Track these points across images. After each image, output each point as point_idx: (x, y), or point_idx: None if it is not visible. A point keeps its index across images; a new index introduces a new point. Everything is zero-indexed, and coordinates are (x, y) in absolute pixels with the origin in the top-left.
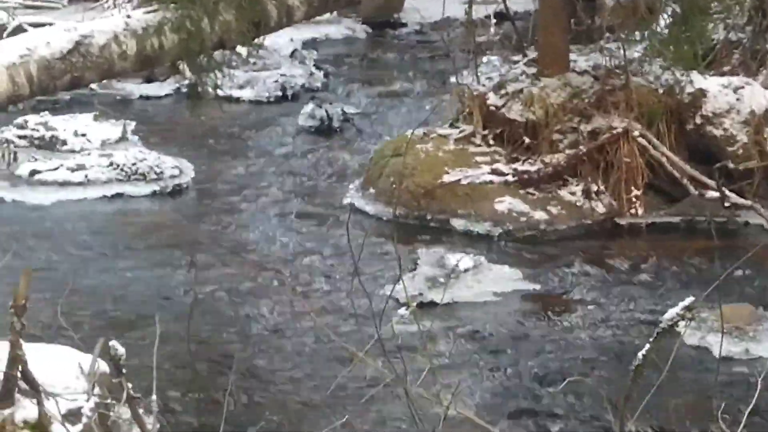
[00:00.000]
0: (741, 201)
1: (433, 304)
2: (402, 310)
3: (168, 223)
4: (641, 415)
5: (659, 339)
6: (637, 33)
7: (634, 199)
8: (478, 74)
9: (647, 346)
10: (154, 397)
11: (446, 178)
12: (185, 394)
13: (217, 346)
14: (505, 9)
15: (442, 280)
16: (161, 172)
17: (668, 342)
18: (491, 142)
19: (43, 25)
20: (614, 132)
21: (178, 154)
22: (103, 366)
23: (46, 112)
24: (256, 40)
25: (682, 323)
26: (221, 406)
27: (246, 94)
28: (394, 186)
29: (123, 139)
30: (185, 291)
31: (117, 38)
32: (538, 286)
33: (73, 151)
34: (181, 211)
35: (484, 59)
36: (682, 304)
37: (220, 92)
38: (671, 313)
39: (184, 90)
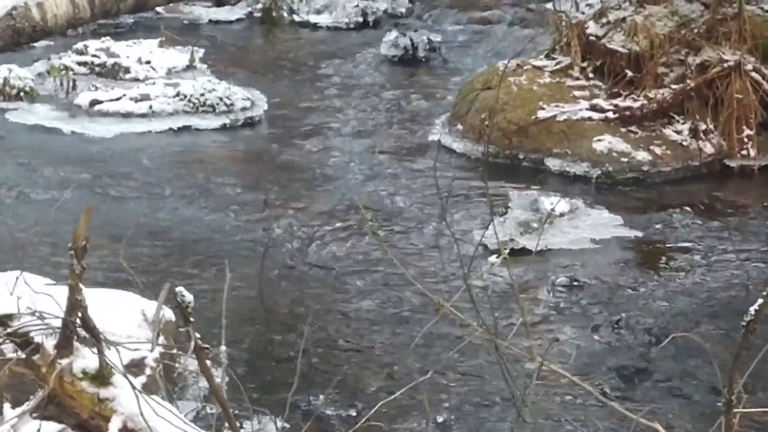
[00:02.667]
0: None
1: (525, 251)
2: (493, 258)
3: (239, 159)
4: (752, 377)
5: None
6: None
7: (745, 139)
8: (577, 1)
9: (760, 300)
10: (223, 347)
11: (541, 114)
12: (257, 344)
13: (291, 292)
14: None
15: (535, 225)
16: (231, 104)
17: None
18: (590, 75)
19: None
20: (725, 65)
21: (249, 85)
22: (169, 313)
23: (108, 38)
24: None
25: None
26: (295, 357)
27: (324, 19)
28: (484, 122)
29: (190, 67)
30: (258, 233)
31: None
32: (639, 233)
33: (136, 80)
34: (252, 147)
35: None
36: None
37: (296, 17)
38: None
39: (258, 14)
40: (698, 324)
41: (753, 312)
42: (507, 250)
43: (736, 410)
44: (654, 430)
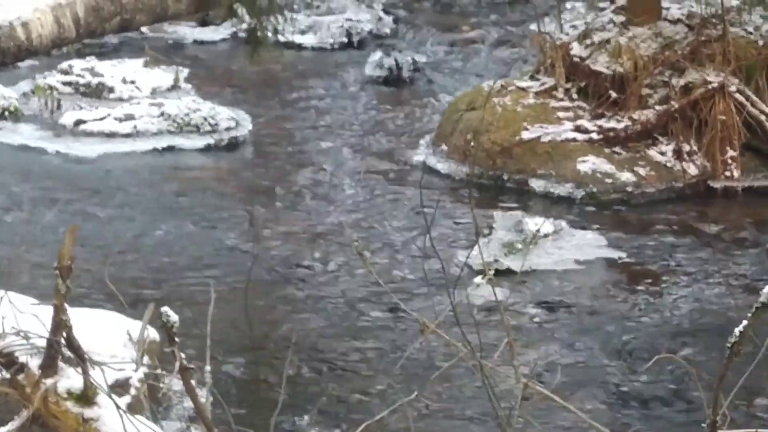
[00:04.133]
0: None
1: (510, 271)
2: (478, 279)
3: (223, 179)
4: (737, 398)
5: (758, 314)
6: None
7: (729, 161)
8: (562, 22)
9: (744, 321)
10: (208, 368)
11: (525, 135)
12: (242, 365)
13: (276, 313)
14: None
15: (519, 246)
16: (216, 124)
17: None
18: (574, 96)
19: None
20: (709, 87)
21: (234, 105)
22: (153, 333)
23: (93, 57)
24: None
25: None
26: (280, 379)
27: (308, 40)
28: (469, 143)
29: (175, 87)
30: (243, 253)
31: None
32: (623, 254)
33: (121, 100)
34: (236, 167)
35: (568, 5)
36: None
37: (280, 37)
38: None
39: (242, 35)
40: (683, 345)
41: (738, 333)
42: (492, 271)
43: (720, 431)
44: None
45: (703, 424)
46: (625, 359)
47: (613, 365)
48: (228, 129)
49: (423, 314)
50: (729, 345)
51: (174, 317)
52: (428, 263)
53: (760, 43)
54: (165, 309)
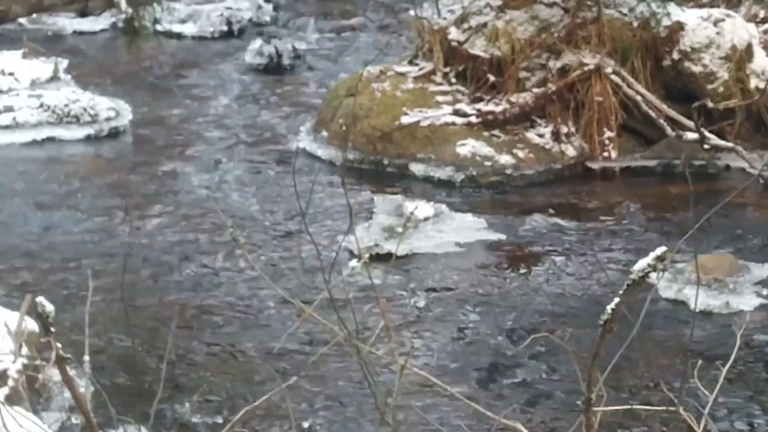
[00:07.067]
0: (721, 143)
1: (389, 255)
2: (353, 262)
3: (103, 169)
4: (612, 374)
5: (629, 291)
6: None
7: (606, 142)
8: (439, 6)
9: (617, 299)
10: (86, 357)
11: (404, 120)
12: (121, 354)
13: (154, 301)
14: None
15: (399, 229)
16: (96, 114)
17: (642, 295)
18: (453, 80)
19: None
20: (585, 69)
21: (114, 95)
22: (31, 324)
23: None
24: None
25: (654, 274)
26: (159, 367)
27: (188, 29)
28: (342, 128)
29: (54, 78)
30: (120, 243)
31: None
32: (503, 236)
33: None
34: (117, 157)
35: None
36: (653, 254)
37: (159, 27)
38: (642, 263)
39: (121, 25)
40: (560, 324)
41: (610, 311)
42: (368, 255)
43: (595, 408)
44: (515, 430)
45: (578, 402)
46: (504, 340)
47: (492, 346)
48: (108, 119)
49: (300, 299)
50: (602, 322)
51: (50, 307)
52: (305, 248)
53: (635, 24)
54: (40, 299)
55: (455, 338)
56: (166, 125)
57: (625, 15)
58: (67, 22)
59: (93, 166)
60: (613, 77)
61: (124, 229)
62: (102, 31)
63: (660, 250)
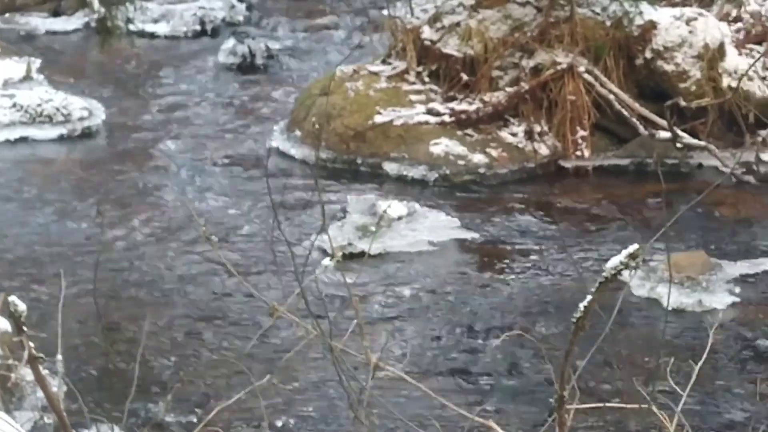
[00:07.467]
0: (694, 141)
1: (362, 254)
2: (326, 261)
3: (76, 169)
4: (585, 372)
5: (602, 289)
6: None
7: (579, 140)
8: (412, 6)
9: (589, 297)
10: (59, 357)
11: (378, 119)
12: (93, 353)
13: (127, 301)
14: None
15: (372, 228)
16: (69, 114)
17: (615, 293)
18: (426, 79)
19: None
20: (558, 68)
21: (87, 95)
22: (4, 323)
23: None
24: None
25: (626, 272)
26: (132, 366)
27: (161, 28)
28: (314, 126)
29: (27, 78)
30: (93, 241)
31: None
32: (476, 235)
33: None
34: (90, 157)
35: None
36: (625, 252)
37: (132, 27)
38: (614, 261)
39: (94, 24)
40: (533, 323)
41: (582, 309)
42: (341, 254)
43: (568, 406)
44: (489, 428)
45: (551, 399)
46: (477, 338)
47: (465, 344)
48: (81, 119)
49: (273, 298)
50: (574, 320)
51: (22, 306)
52: (279, 248)
53: (608, 23)
54: (12, 298)
55: (429, 336)
56: (139, 125)
57: (598, 14)
58: (40, 22)
59: (66, 166)
60: (586, 76)
61: (97, 229)
62: (75, 30)
63: (632, 247)
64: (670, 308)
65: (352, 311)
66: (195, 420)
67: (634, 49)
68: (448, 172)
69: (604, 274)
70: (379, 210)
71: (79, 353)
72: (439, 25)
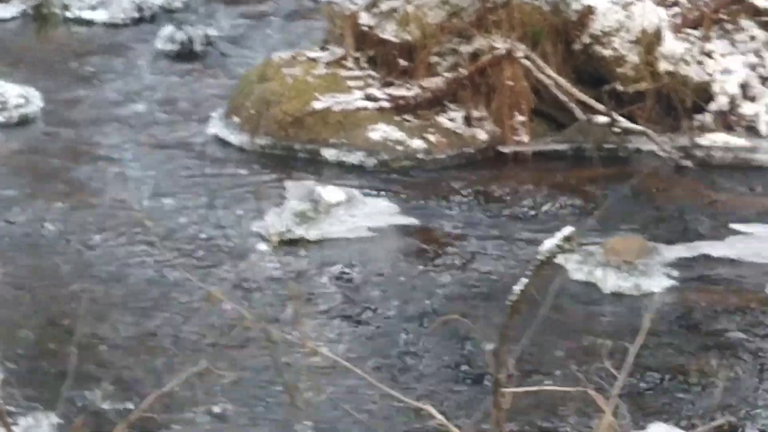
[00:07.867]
0: (631, 126)
1: (300, 240)
2: (263, 246)
3: (11, 156)
4: (522, 357)
5: (537, 272)
6: None
7: (518, 126)
8: None
9: (524, 280)
10: None
11: (316, 105)
12: (31, 340)
13: (62, 288)
14: None
15: (311, 214)
16: (5, 102)
17: (552, 277)
18: (364, 65)
19: None
20: (496, 53)
21: (24, 82)
22: None
23: None
24: None
25: (561, 255)
26: (69, 352)
27: (99, 15)
28: (254, 113)
29: None
30: (29, 229)
31: None
32: (415, 220)
33: None
34: (27, 144)
35: None
36: (560, 234)
37: (69, 14)
38: (549, 244)
39: (30, 12)
40: (471, 307)
41: (518, 292)
42: (278, 240)
43: (504, 390)
44: (426, 412)
45: (487, 383)
46: (415, 323)
47: (403, 329)
48: (17, 106)
49: (211, 284)
50: (509, 303)
51: None
52: (217, 234)
53: (545, 8)
54: None
55: (366, 322)
56: (77, 112)
57: None
58: None
59: (2, 153)
60: (524, 61)
61: (32, 216)
62: (12, 18)
63: (566, 229)
64: (607, 292)
65: (290, 297)
66: (132, 406)
67: (571, 34)
68: (386, 157)
69: (539, 256)
70: (317, 196)
71: (15, 341)
72: (376, 10)
